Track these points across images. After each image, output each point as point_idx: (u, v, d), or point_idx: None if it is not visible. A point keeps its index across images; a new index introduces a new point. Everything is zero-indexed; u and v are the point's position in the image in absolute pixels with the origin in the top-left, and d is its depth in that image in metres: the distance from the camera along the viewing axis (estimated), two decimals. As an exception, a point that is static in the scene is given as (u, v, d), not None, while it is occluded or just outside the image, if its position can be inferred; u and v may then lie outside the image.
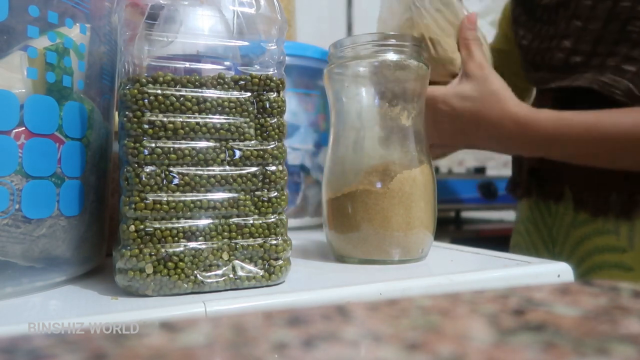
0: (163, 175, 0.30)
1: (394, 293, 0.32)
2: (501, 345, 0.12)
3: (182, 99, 0.31)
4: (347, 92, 0.42)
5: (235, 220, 0.32)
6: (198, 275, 0.30)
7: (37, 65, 0.29)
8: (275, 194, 0.33)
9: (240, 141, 0.32)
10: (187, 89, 0.31)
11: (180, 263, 0.30)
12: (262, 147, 0.33)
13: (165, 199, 0.30)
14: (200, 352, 0.12)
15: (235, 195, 0.32)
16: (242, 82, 0.33)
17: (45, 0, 0.29)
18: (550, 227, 0.68)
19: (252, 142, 0.33)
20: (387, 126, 0.41)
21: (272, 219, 0.33)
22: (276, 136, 0.34)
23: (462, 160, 1.85)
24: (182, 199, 0.30)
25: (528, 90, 0.76)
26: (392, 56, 0.41)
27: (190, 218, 0.31)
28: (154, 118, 0.30)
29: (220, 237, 0.31)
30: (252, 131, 0.33)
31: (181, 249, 0.30)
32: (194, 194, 0.31)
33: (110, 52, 0.37)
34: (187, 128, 0.31)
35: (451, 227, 1.32)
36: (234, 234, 0.32)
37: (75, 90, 0.32)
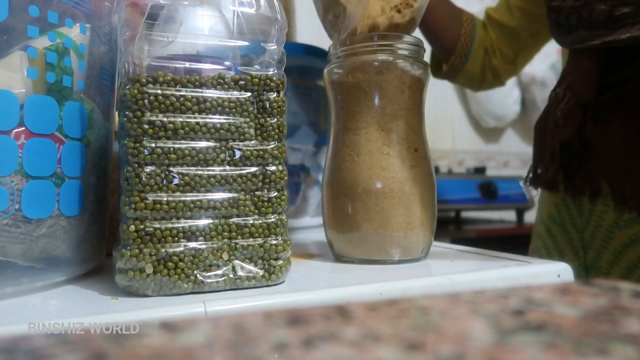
0: (163, 175, 0.30)
1: (394, 293, 0.32)
2: (501, 345, 0.12)
3: (182, 99, 0.31)
4: (347, 92, 0.42)
5: (235, 220, 0.32)
6: (198, 275, 0.30)
7: (37, 65, 0.29)
8: (275, 194, 0.33)
9: (240, 141, 0.32)
10: (187, 89, 0.31)
11: (180, 263, 0.30)
12: (262, 147, 0.33)
13: (165, 199, 0.30)
14: (200, 352, 0.12)
15: (235, 195, 0.32)
16: (242, 82, 0.33)
17: (45, 0, 0.29)
18: (582, 230, 0.60)
19: (252, 142, 0.33)
20: (387, 126, 0.41)
21: (272, 219, 0.33)
22: (276, 136, 0.34)
23: (462, 160, 1.85)
24: (182, 199, 0.30)
25: (513, 62, 0.75)
26: (391, 56, 0.41)
27: (190, 218, 0.31)
28: (154, 118, 0.30)
29: (220, 237, 0.31)
30: (252, 131, 0.33)
31: (181, 249, 0.30)
32: (194, 194, 0.31)
33: (110, 52, 0.37)
34: (187, 128, 0.31)
35: (451, 227, 1.32)
36: (234, 234, 0.32)
37: (75, 90, 0.32)
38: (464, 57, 0.73)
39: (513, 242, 0.82)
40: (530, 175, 0.65)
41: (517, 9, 0.71)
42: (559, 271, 0.37)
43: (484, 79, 0.76)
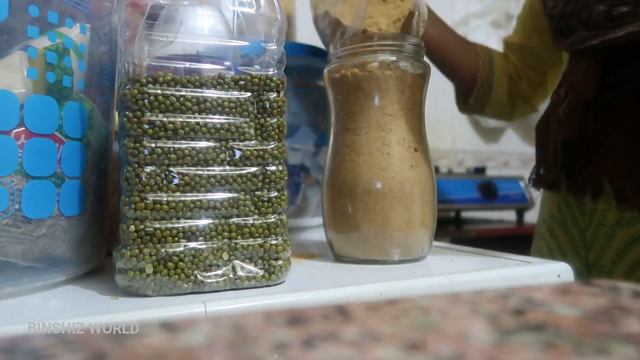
0: (163, 175, 0.30)
1: (394, 293, 0.32)
2: (501, 345, 0.12)
3: (182, 99, 0.31)
4: (347, 92, 0.42)
5: (235, 220, 0.32)
6: (198, 275, 0.30)
7: (37, 65, 0.29)
8: (275, 194, 0.33)
9: (240, 141, 0.32)
10: (187, 89, 0.31)
11: (180, 263, 0.30)
12: (262, 147, 0.33)
13: (165, 199, 0.30)
14: (200, 352, 0.12)
15: (235, 195, 0.32)
16: (242, 82, 0.33)
17: (45, 0, 0.29)
18: (584, 230, 0.60)
19: (252, 142, 0.33)
20: (387, 126, 0.41)
21: (272, 219, 0.33)
22: (276, 136, 0.34)
23: (462, 160, 1.85)
24: (182, 199, 0.30)
25: (542, 84, 0.75)
26: (391, 56, 0.41)
27: (190, 218, 0.31)
28: (154, 118, 0.30)
29: (220, 237, 0.31)
30: (252, 131, 0.33)
31: (181, 249, 0.30)
32: (194, 194, 0.31)
33: (110, 52, 0.37)
34: (187, 128, 0.31)
35: (451, 227, 1.32)
36: (234, 234, 0.32)
37: (75, 90, 0.32)
38: (487, 87, 0.73)
39: (513, 242, 0.82)
40: (534, 176, 0.65)
41: (533, 27, 0.71)
42: (559, 271, 0.37)
43: (514, 107, 0.76)
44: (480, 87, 0.73)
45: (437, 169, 1.52)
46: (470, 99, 0.75)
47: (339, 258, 0.42)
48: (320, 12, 0.52)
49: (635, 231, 0.55)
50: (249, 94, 0.33)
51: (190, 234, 0.30)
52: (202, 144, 0.31)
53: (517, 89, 0.74)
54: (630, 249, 0.55)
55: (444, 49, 0.70)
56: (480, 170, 1.56)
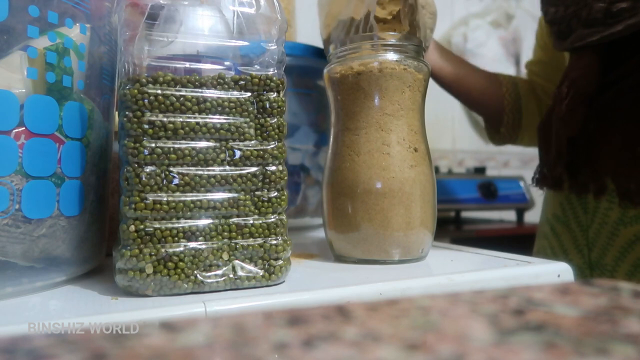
0: (163, 175, 0.30)
1: (394, 293, 0.32)
2: (501, 345, 0.12)
3: (182, 99, 0.31)
4: (347, 92, 0.42)
5: (235, 220, 0.32)
6: (198, 275, 0.30)
7: (37, 65, 0.29)
8: (275, 194, 0.33)
9: (240, 141, 0.32)
10: (187, 89, 0.31)
11: (180, 263, 0.30)
12: (262, 147, 0.33)
13: (165, 199, 0.30)
14: (200, 352, 0.12)
15: (235, 195, 0.32)
16: (242, 82, 0.33)
17: (45, 0, 0.29)
18: (586, 228, 0.60)
19: (252, 142, 0.33)
20: (387, 126, 0.41)
21: (272, 219, 0.33)
22: (276, 136, 0.34)
23: (462, 160, 1.85)
24: (182, 199, 0.30)
25: None
26: (392, 56, 0.41)
27: (190, 218, 0.31)
28: (154, 118, 0.30)
29: (220, 237, 0.31)
30: (252, 131, 0.33)
31: (181, 249, 0.30)
32: (194, 194, 0.31)
33: (110, 52, 0.37)
34: (187, 128, 0.31)
35: (451, 227, 1.32)
36: (234, 234, 0.32)
37: (75, 90, 0.32)
38: (517, 113, 0.72)
39: (513, 242, 0.82)
40: (537, 176, 0.65)
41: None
42: (559, 271, 0.37)
43: None
44: (510, 114, 0.72)
45: (437, 169, 1.52)
46: (502, 128, 0.74)
47: (339, 258, 0.42)
48: (334, 27, 0.54)
49: (638, 229, 0.54)
50: (249, 94, 0.33)
51: (190, 234, 0.30)
52: (202, 144, 0.31)
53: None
54: (634, 247, 0.55)
55: (465, 83, 0.70)
56: (480, 170, 1.55)
